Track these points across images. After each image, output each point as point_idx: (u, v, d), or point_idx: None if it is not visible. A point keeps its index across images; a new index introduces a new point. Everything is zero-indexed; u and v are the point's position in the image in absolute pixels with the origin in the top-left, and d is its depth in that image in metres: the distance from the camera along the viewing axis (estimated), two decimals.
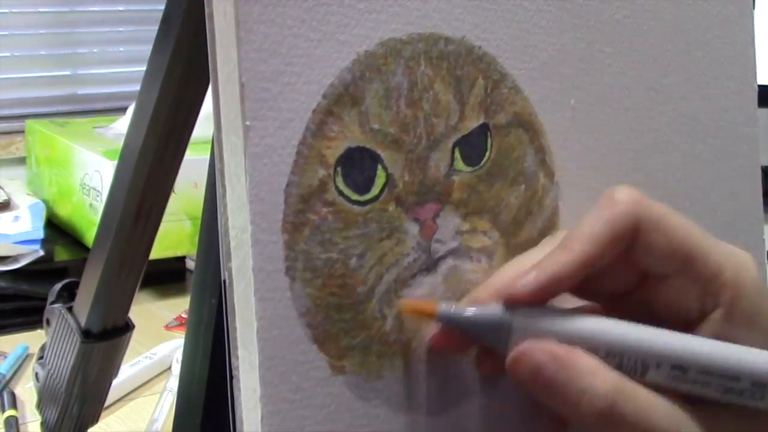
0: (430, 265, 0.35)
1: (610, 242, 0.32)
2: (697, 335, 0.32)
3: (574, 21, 0.39)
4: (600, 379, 0.31)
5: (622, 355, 0.31)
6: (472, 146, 0.36)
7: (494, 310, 0.32)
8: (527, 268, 0.33)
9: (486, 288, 0.34)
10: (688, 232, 0.33)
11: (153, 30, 0.42)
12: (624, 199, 0.33)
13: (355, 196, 0.33)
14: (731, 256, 0.33)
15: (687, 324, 0.33)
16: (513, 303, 0.32)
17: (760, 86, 0.48)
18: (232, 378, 0.34)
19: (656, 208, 0.33)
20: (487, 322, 0.32)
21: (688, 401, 0.32)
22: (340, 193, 0.33)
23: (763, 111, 0.50)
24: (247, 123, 0.31)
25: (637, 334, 0.32)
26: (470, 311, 0.33)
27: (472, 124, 0.36)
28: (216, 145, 0.33)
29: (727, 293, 0.32)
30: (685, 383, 0.31)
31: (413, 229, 0.35)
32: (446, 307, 0.33)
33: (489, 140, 0.37)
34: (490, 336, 0.33)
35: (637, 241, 0.32)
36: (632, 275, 0.34)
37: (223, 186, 0.33)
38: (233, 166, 0.32)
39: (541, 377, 0.31)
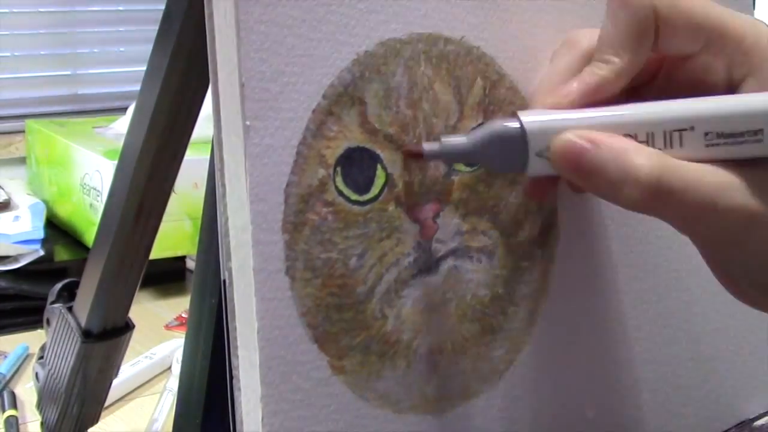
0: (431, 265, 0.35)
1: (640, 44, 0.33)
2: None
3: (573, 21, 0.39)
4: (643, 155, 0.30)
5: (653, 131, 0.31)
6: None
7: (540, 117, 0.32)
8: (568, 83, 0.33)
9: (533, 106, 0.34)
10: (705, 7, 0.33)
11: (153, 30, 0.42)
12: None
13: (354, 196, 0.33)
14: (748, 24, 0.33)
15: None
16: (556, 107, 0.33)
17: None
18: (232, 378, 0.34)
19: None
20: (534, 129, 0.32)
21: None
22: (340, 193, 0.33)
23: None
24: (248, 123, 0.31)
25: (661, 106, 0.32)
26: (518, 123, 0.32)
27: (471, 123, 0.36)
28: (216, 145, 0.33)
29: (754, 59, 0.32)
30: (725, 145, 0.31)
31: (413, 229, 0.35)
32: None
33: None
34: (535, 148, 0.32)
35: (658, 25, 0.33)
36: (655, 61, 0.34)
37: (223, 186, 0.33)
38: (233, 166, 0.32)
39: (584, 163, 0.31)
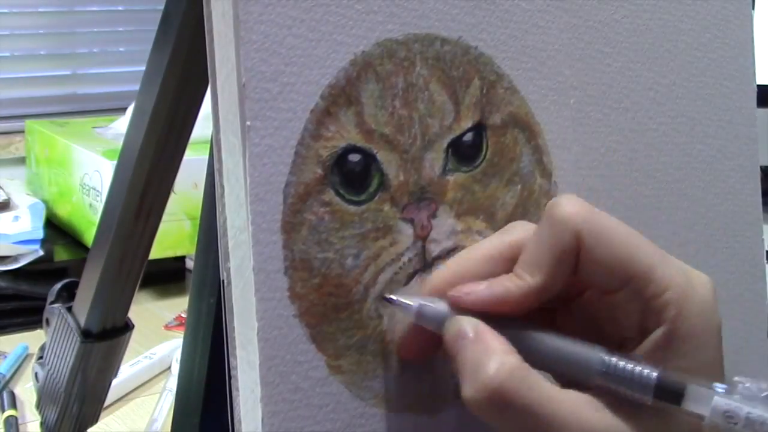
0: (425, 265, 0.35)
1: (557, 269, 0.31)
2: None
3: (572, 21, 0.39)
4: (498, 360, 0.30)
5: (544, 362, 0.31)
6: (467, 146, 0.36)
7: (441, 306, 0.33)
8: (477, 283, 0.32)
9: (437, 281, 0.34)
10: (633, 248, 0.31)
11: (153, 30, 0.42)
12: (565, 215, 0.31)
13: (350, 196, 0.33)
14: (680, 275, 0.31)
15: (627, 339, 0.32)
16: (454, 305, 0.32)
17: (759, 86, 0.48)
18: (230, 377, 0.34)
19: (600, 221, 0.32)
20: (433, 314, 0.33)
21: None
22: (337, 192, 0.33)
23: (763, 111, 0.50)
24: (248, 123, 0.31)
25: (550, 343, 0.32)
26: (416, 305, 0.33)
27: (468, 124, 0.36)
28: (215, 145, 0.33)
29: (670, 312, 0.31)
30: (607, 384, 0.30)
31: (408, 229, 0.35)
32: (392, 296, 0.34)
33: (484, 140, 0.37)
34: (434, 324, 0.33)
35: (580, 255, 0.31)
36: (577, 285, 0.33)
37: (222, 186, 0.33)
38: (232, 166, 0.32)
39: (457, 345, 0.31)
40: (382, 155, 0.34)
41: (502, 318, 0.32)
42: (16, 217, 1.03)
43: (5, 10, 1.70)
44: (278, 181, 0.32)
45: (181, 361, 0.44)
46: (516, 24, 0.37)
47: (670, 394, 0.30)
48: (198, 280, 0.43)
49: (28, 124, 1.27)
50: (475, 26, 0.36)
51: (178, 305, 0.97)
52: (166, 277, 1.04)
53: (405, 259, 0.35)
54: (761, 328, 0.50)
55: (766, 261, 0.51)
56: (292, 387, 0.33)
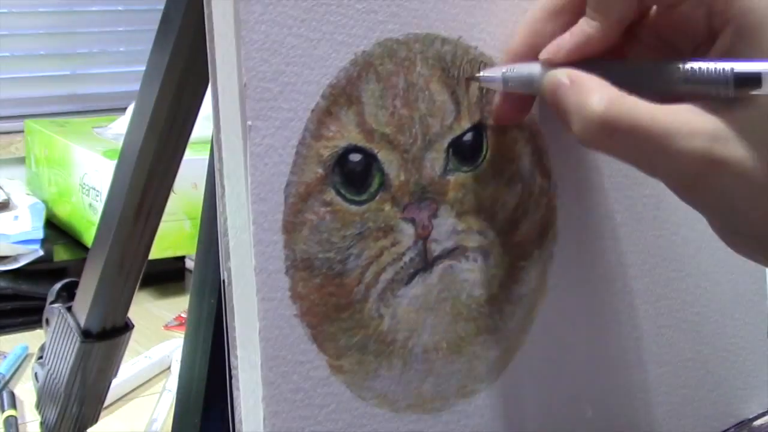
0: (426, 265, 0.35)
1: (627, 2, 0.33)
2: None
3: None
4: (598, 92, 0.31)
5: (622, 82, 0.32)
6: (467, 146, 0.36)
7: (528, 68, 0.35)
8: (558, 40, 0.34)
9: (515, 47, 0.36)
10: None
11: (153, 30, 0.42)
12: None
13: (351, 196, 0.33)
14: None
15: (699, 49, 0.33)
16: (549, 66, 0.34)
17: None
18: (231, 377, 0.34)
19: None
20: (519, 77, 0.35)
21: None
22: (338, 192, 0.33)
23: None
24: (249, 123, 0.31)
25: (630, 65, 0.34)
26: (500, 74, 0.35)
27: (468, 124, 0.36)
28: (215, 145, 0.33)
29: (735, 7, 0.32)
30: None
31: (409, 229, 0.35)
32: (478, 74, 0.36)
33: (485, 140, 0.37)
34: (523, 86, 0.35)
35: None
36: (642, 7, 0.34)
37: (222, 186, 0.33)
38: (232, 166, 0.32)
39: (558, 96, 0.33)
40: (383, 155, 0.34)
41: (589, 61, 0.34)
42: (16, 217, 1.03)
43: (5, 10, 1.70)
44: (279, 181, 0.32)
45: (181, 361, 0.44)
46: (515, 24, 0.37)
47: (749, 81, 0.31)
48: (198, 280, 0.43)
49: (28, 124, 1.27)
50: (475, 26, 0.36)
51: (178, 305, 0.97)
52: (166, 277, 1.04)
53: (406, 258, 0.35)
54: (761, 328, 0.50)
55: None
56: (293, 387, 0.33)
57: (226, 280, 0.33)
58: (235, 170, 0.32)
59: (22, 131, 1.35)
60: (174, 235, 0.98)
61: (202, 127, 0.42)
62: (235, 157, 0.32)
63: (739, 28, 0.32)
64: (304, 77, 0.32)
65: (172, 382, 0.73)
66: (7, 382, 0.78)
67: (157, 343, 0.84)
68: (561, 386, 0.41)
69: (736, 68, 0.31)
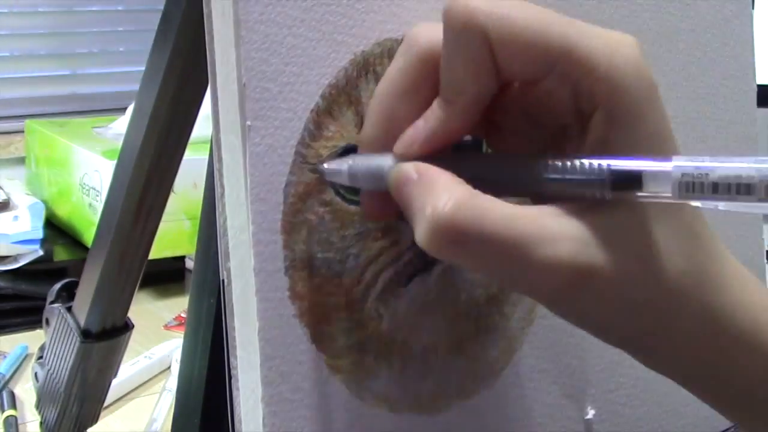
0: (426, 265, 0.35)
1: (479, 74, 0.29)
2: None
3: None
4: (448, 191, 0.27)
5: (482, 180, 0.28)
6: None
7: (380, 161, 0.30)
8: (411, 130, 0.30)
9: (368, 138, 0.31)
10: (546, 25, 0.28)
11: (153, 30, 0.42)
12: (462, 14, 0.28)
13: (351, 196, 0.33)
14: (601, 46, 0.28)
15: (567, 130, 0.29)
16: (404, 160, 0.30)
17: (759, 86, 0.48)
18: (230, 378, 0.34)
19: (501, 9, 0.28)
20: (367, 171, 0.31)
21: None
22: (337, 192, 0.33)
23: (763, 111, 0.50)
24: (248, 123, 0.31)
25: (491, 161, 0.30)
26: (345, 166, 0.31)
27: None
28: (215, 144, 0.33)
29: (600, 89, 0.27)
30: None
31: (408, 229, 0.35)
32: (323, 165, 0.32)
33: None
34: (372, 181, 0.31)
35: (494, 52, 0.28)
36: (500, 84, 0.30)
37: (222, 186, 0.33)
38: (232, 166, 0.32)
39: (403, 191, 0.28)
40: None
41: (445, 152, 0.30)
42: (16, 217, 1.03)
43: (5, 10, 1.70)
44: (278, 181, 0.32)
45: (181, 361, 0.44)
46: None
47: (627, 181, 0.27)
48: (198, 280, 0.43)
49: (28, 124, 1.27)
50: None
51: (178, 305, 0.97)
52: (166, 277, 1.04)
53: (405, 259, 0.35)
54: None
55: (766, 261, 0.51)
56: (292, 387, 0.33)
57: (225, 280, 0.33)
58: (235, 170, 0.32)
59: (22, 131, 1.35)
60: (174, 235, 0.99)
61: (202, 126, 0.42)
62: (234, 156, 0.32)
63: (610, 113, 0.27)
64: (304, 77, 0.32)
65: (172, 382, 0.74)
66: (7, 382, 0.78)
67: (157, 343, 0.84)
68: (561, 386, 0.41)
69: (613, 166, 0.27)
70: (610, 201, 0.27)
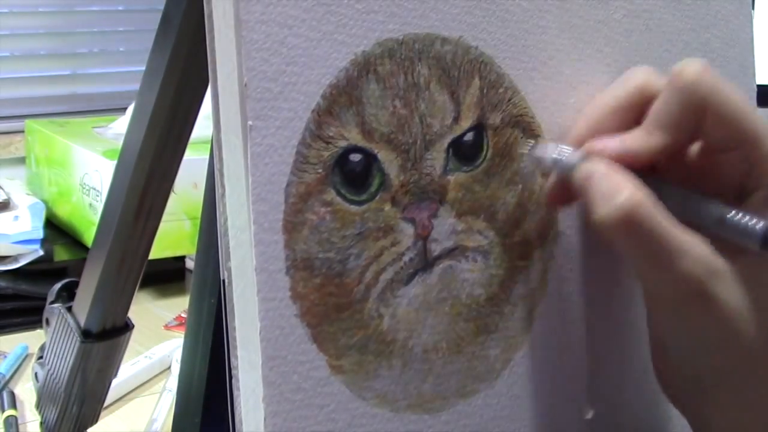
0: (426, 265, 0.35)
1: (685, 127, 0.34)
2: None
3: (572, 21, 0.39)
4: (628, 189, 0.33)
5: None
6: (467, 146, 0.36)
7: (577, 156, 0.36)
8: (610, 137, 0.36)
9: (575, 135, 0.37)
10: (751, 114, 0.34)
11: (153, 30, 0.42)
12: (692, 77, 0.34)
13: (351, 196, 0.33)
14: None
15: (722, 198, 0.35)
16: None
17: (759, 86, 0.48)
18: (231, 378, 0.34)
19: (723, 85, 0.34)
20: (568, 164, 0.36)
21: None
22: (338, 192, 0.33)
23: (763, 111, 0.50)
24: (249, 123, 0.31)
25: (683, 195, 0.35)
26: (551, 155, 0.37)
27: (468, 124, 0.36)
28: (215, 145, 0.33)
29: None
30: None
31: (409, 229, 0.35)
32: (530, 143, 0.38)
33: (485, 140, 0.37)
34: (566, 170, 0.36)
35: (705, 116, 0.34)
36: (692, 144, 0.36)
37: (223, 186, 0.33)
38: (233, 166, 0.32)
39: (590, 180, 0.34)
40: (383, 155, 0.34)
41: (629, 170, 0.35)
42: (16, 217, 1.03)
43: (5, 10, 1.70)
44: (279, 181, 0.32)
45: (181, 361, 0.44)
46: (516, 24, 0.37)
47: None
48: (199, 280, 0.43)
49: (28, 123, 1.27)
50: (476, 26, 0.36)
51: (178, 305, 0.97)
52: (166, 277, 1.04)
53: (406, 258, 0.35)
54: None
55: None
56: (293, 387, 0.33)
57: (226, 280, 0.33)
58: (236, 170, 0.32)
59: (22, 131, 1.35)
60: (174, 235, 0.99)
61: (202, 127, 0.42)
62: (235, 157, 0.32)
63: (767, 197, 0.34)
64: (305, 77, 0.32)
65: (172, 382, 0.74)
66: (7, 382, 0.78)
67: (157, 343, 0.84)
68: (561, 386, 0.41)
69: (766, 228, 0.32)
70: (753, 253, 0.33)
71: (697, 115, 0.34)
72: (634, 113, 0.36)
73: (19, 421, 0.72)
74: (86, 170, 1.03)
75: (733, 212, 0.33)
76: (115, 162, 0.47)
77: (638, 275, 0.35)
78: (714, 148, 0.36)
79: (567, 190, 0.36)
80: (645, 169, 0.35)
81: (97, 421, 0.56)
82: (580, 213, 0.40)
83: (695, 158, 0.37)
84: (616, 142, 0.35)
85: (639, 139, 0.35)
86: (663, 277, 0.33)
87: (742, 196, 0.35)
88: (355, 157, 0.33)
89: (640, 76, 0.37)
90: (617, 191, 0.33)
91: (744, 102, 0.34)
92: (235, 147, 0.32)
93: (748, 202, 0.34)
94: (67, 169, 1.08)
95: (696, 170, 0.36)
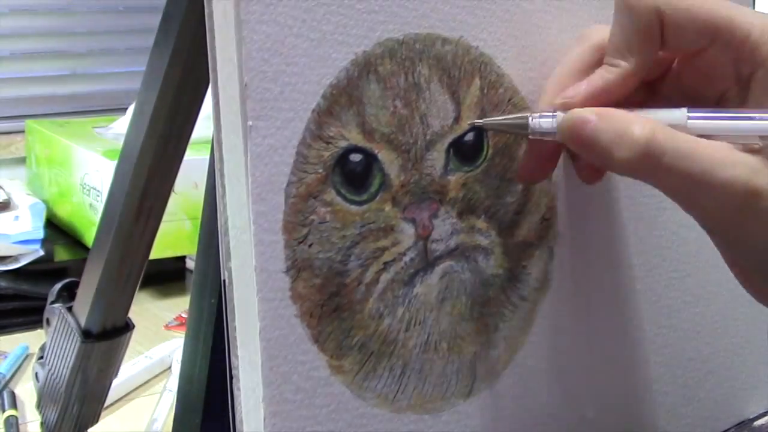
0: (427, 265, 0.35)
1: (646, 46, 0.33)
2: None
3: (572, 21, 0.39)
4: (639, 122, 0.31)
5: None
6: (468, 146, 0.36)
7: (555, 113, 0.34)
8: (577, 84, 0.34)
9: (544, 103, 0.36)
10: (711, 4, 0.33)
11: (153, 30, 0.42)
12: None
13: (352, 196, 0.33)
14: (757, 19, 0.33)
15: (728, 94, 0.34)
16: (566, 109, 0.34)
17: None
18: (231, 378, 0.34)
19: None
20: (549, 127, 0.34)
21: None
22: (338, 192, 0.33)
23: None
24: (250, 123, 0.31)
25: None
26: (528, 118, 0.35)
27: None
28: (216, 145, 0.33)
29: (761, 51, 0.32)
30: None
31: (409, 229, 0.35)
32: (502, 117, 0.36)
33: (485, 140, 0.37)
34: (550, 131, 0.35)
35: (663, 24, 0.33)
36: (664, 61, 0.35)
37: (223, 186, 0.33)
38: (233, 166, 0.32)
39: (584, 130, 0.32)
40: (384, 155, 0.34)
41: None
42: (17, 217, 1.03)
43: (5, 10, 1.70)
44: (280, 181, 0.32)
45: (182, 361, 0.44)
46: (516, 24, 0.37)
47: None
48: (199, 280, 0.43)
49: (29, 123, 1.27)
50: (476, 26, 0.36)
51: (179, 305, 0.97)
52: (167, 277, 1.04)
53: (407, 258, 0.35)
54: (761, 328, 0.50)
55: None
56: (293, 387, 0.33)
57: (226, 280, 0.33)
58: (236, 170, 0.32)
59: (22, 131, 1.35)
60: (174, 235, 0.99)
61: (202, 127, 0.42)
62: (235, 157, 0.32)
63: None
64: (305, 77, 0.32)
65: (172, 382, 0.73)
66: (8, 382, 0.78)
67: (157, 343, 0.84)
68: (561, 386, 0.41)
69: None
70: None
71: (654, 27, 0.33)
72: (595, 69, 0.35)
73: (20, 421, 0.72)
74: (86, 170, 1.03)
75: (740, 114, 0.32)
76: (115, 162, 0.47)
77: (682, 204, 0.33)
78: (689, 53, 0.35)
79: (542, 161, 0.36)
80: (633, 105, 0.34)
81: (97, 421, 0.56)
82: (580, 213, 0.41)
83: (678, 74, 0.36)
84: (583, 84, 0.34)
85: (605, 73, 0.34)
86: (710, 198, 0.31)
87: (741, 82, 0.33)
88: (356, 157, 0.33)
89: (597, 35, 0.36)
90: (626, 127, 0.31)
91: None
92: (235, 147, 0.32)
93: (750, 87, 0.33)
94: (68, 169, 1.08)
95: (685, 84, 0.35)
